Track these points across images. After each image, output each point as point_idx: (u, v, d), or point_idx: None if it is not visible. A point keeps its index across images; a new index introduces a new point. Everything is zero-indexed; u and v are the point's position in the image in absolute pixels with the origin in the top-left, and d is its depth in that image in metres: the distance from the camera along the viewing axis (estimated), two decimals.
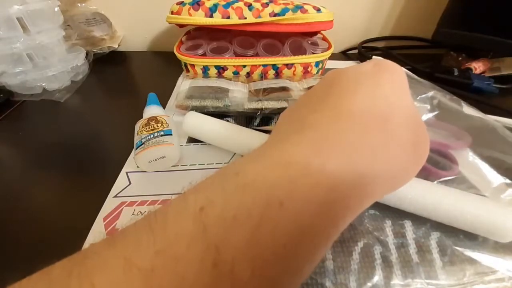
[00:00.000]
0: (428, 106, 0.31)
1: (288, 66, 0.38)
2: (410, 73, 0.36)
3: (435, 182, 0.23)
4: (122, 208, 0.23)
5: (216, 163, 0.27)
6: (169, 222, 0.11)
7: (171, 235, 0.10)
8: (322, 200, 0.11)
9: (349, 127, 0.13)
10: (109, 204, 0.23)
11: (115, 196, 0.24)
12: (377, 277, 0.18)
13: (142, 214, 0.22)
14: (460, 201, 0.19)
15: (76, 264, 0.11)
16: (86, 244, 0.20)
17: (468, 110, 0.29)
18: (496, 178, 0.24)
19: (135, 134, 0.26)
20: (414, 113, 0.16)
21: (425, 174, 0.24)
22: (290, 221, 0.11)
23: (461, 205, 0.19)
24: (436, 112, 0.30)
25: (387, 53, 0.48)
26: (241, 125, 0.28)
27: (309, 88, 0.34)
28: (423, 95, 0.32)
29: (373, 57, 0.39)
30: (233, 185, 0.11)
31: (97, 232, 0.21)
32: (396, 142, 0.14)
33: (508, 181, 0.23)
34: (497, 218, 0.18)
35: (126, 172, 0.26)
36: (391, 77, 0.15)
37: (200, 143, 0.29)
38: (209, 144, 0.29)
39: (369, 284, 0.18)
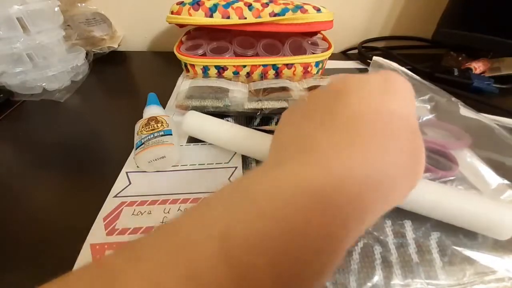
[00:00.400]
0: (428, 107, 0.31)
1: (288, 66, 0.38)
2: (409, 72, 0.36)
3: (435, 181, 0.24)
4: (122, 208, 0.23)
5: (216, 163, 0.27)
6: (193, 245, 0.11)
7: (196, 260, 0.10)
8: (333, 224, 0.12)
9: (360, 148, 0.13)
10: (109, 204, 0.23)
11: (115, 196, 0.24)
12: (377, 277, 0.18)
13: (141, 214, 0.22)
14: (458, 199, 0.20)
15: (97, 279, 0.10)
16: (86, 244, 0.20)
17: (465, 112, 0.29)
18: (495, 179, 0.24)
19: (135, 134, 0.26)
20: (417, 127, 0.16)
21: (425, 174, 0.24)
22: (307, 249, 0.11)
23: (460, 203, 0.19)
24: (433, 115, 0.30)
25: (387, 53, 0.48)
26: (241, 125, 0.28)
27: (309, 88, 0.34)
28: (420, 98, 0.32)
29: (374, 57, 0.38)
30: (253, 213, 0.11)
31: (97, 232, 0.21)
32: (403, 163, 0.14)
33: (507, 182, 0.23)
34: (494, 216, 0.18)
35: (126, 172, 0.26)
36: (403, 95, 0.15)
37: (200, 143, 0.29)
38: (209, 144, 0.29)
39: (369, 284, 0.18)
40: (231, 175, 0.26)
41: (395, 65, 0.37)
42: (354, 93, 0.15)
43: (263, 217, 0.11)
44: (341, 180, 0.12)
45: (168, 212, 0.22)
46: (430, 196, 0.20)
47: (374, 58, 0.38)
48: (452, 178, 0.24)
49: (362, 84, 0.16)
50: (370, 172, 0.13)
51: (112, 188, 0.25)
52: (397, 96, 0.15)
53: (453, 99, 0.31)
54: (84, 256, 0.19)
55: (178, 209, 0.23)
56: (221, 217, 0.12)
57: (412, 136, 0.15)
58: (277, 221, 0.11)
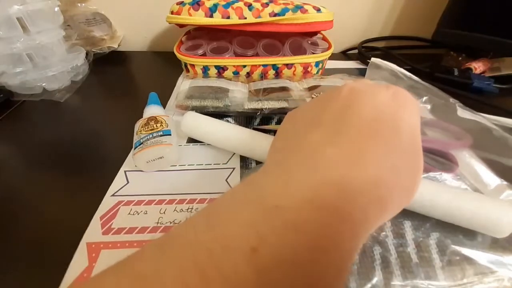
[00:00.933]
0: (428, 107, 0.31)
1: (288, 66, 0.38)
2: (407, 73, 0.36)
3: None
4: (119, 208, 0.23)
5: (215, 164, 0.27)
6: (220, 261, 0.10)
7: (225, 279, 0.09)
8: (347, 237, 0.12)
9: (374, 159, 0.13)
10: (107, 203, 0.23)
11: (113, 195, 0.24)
12: (377, 278, 0.18)
13: (138, 214, 0.22)
14: (456, 197, 0.20)
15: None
16: (82, 242, 0.20)
17: (463, 113, 0.29)
18: (494, 180, 0.24)
19: (135, 134, 0.26)
20: (420, 138, 0.16)
21: (425, 174, 0.24)
22: (328, 263, 0.11)
23: (458, 201, 0.19)
24: (433, 115, 0.30)
25: (387, 53, 0.48)
26: (241, 125, 0.28)
27: (309, 88, 0.34)
28: (418, 99, 0.32)
29: (372, 59, 0.38)
30: (279, 222, 0.11)
31: (93, 230, 0.21)
32: (408, 172, 0.14)
33: (505, 182, 0.23)
34: (492, 214, 0.19)
35: (125, 171, 0.26)
36: (411, 108, 0.16)
37: (199, 143, 0.29)
38: (208, 144, 0.29)
39: (369, 284, 0.18)
40: (228, 176, 0.26)
41: (393, 66, 0.37)
42: (367, 102, 0.15)
43: (293, 229, 0.11)
44: (353, 195, 0.12)
45: (164, 212, 0.22)
46: (428, 194, 0.20)
47: (372, 59, 0.38)
48: (452, 178, 0.24)
49: (374, 94, 0.16)
50: (381, 183, 0.13)
51: (110, 187, 0.25)
52: (406, 108, 0.16)
53: (451, 100, 0.31)
54: (80, 255, 0.20)
55: (174, 210, 0.23)
56: (252, 228, 0.11)
57: (417, 146, 0.15)
58: (304, 235, 0.11)
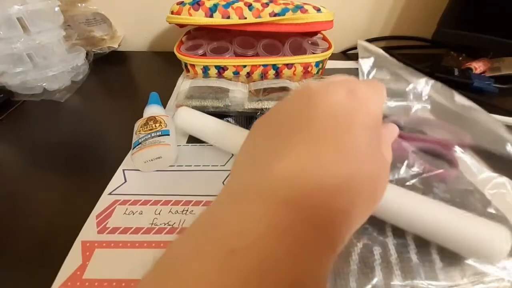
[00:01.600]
0: (429, 106, 0.31)
1: (288, 66, 0.38)
2: (391, 59, 0.35)
3: (435, 183, 0.23)
4: (115, 207, 0.23)
5: (212, 165, 0.27)
6: None
7: None
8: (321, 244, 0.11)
9: (323, 177, 0.12)
10: (103, 201, 0.23)
11: (110, 194, 0.24)
12: (377, 278, 0.18)
13: (133, 214, 0.22)
14: (441, 217, 0.18)
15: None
16: (77, 241, 0.20)
17: (460, 99, 0.29)
18: (493, 178, 0.24)
19: (134, 134, 0.26)
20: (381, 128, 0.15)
21: (425, 174, 0.24)
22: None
23: (443, 222, 0.18)
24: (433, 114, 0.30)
25: (387, 53, 0.48)
26: (241, 125, 0.28)
27: None
28: (415, 91, 0.31)
29: (358, 41, 0.37)
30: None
31: (89, 229, 0.21)
32: (372, 165, 0.14)
33: (507, 179, 0.23)
34: (483, 237, 0.17)
35: (123, 170, 0.26)
36: (366, 110, 0.15)
37: (198, 144, 0.29)
38: (207, 145, 0.29)
39: (369, 285, 0.18)
40: (225, 178, 0.26)
41: (379, 50, 0.36)
42: (318, 104, 0.15)
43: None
44: (313, 209, 0.12)
45: (159, 213, 0.22)
46: (410, 209, 0.19)
47: (359, 41, 0.37)
48: (451, 177, 0.24)
49: (326, 95, 0.15)
50: (339, 192, 0.12)
51: (107, 186, 0.25)
52: (361, 108, 0.15)
53: (446, 88, 0.30)
54: (74, 253, 0.20)
55: (169, 211, 0.23)
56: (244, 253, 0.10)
57: (374, 147, 0.15)
58: (292, 255, 0.10)
